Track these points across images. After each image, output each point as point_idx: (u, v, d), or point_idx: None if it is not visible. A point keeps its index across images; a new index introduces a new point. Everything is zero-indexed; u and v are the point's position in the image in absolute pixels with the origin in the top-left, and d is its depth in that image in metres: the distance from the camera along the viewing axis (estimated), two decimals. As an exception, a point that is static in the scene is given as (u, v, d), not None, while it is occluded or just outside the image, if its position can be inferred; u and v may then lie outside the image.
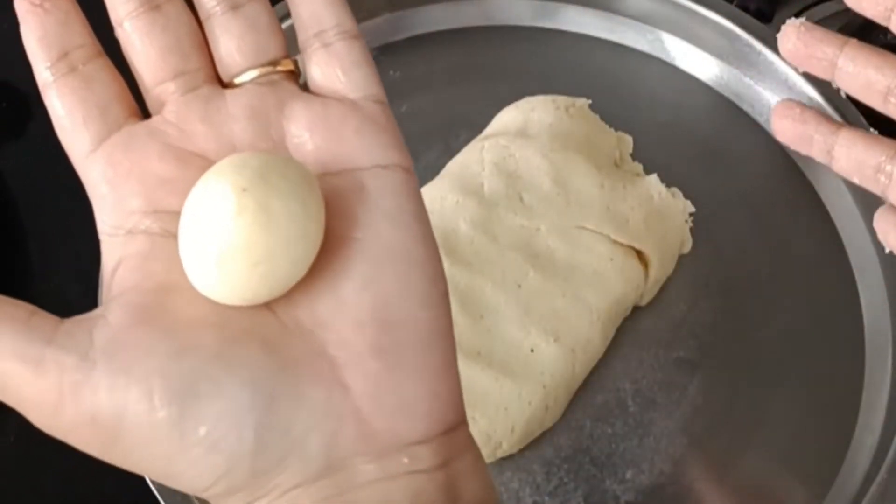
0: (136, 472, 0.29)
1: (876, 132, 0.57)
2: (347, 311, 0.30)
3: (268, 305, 0.30)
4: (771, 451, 0.52)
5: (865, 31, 0.67)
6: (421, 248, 0.31)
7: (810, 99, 0.59)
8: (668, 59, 0.64)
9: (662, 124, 0.62)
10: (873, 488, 0.49)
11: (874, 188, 0.42)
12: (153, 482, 0.47)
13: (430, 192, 0.55)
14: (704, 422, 0.53)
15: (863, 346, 0.55)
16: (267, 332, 0.29)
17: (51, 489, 0.55)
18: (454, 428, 0.30)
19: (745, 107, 0.63)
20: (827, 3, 0.72)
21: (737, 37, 0.62)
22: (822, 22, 0.70)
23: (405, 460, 0.29)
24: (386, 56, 0.64)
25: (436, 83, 0.64)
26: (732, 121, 0.62)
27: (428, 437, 0.29)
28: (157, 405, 0.28)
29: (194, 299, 0.29)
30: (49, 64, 0.32)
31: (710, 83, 0.63)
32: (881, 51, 0.41)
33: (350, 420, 0.29)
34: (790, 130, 0.44)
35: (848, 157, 0.42)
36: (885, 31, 0.68)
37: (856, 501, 0.49)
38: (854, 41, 0.41)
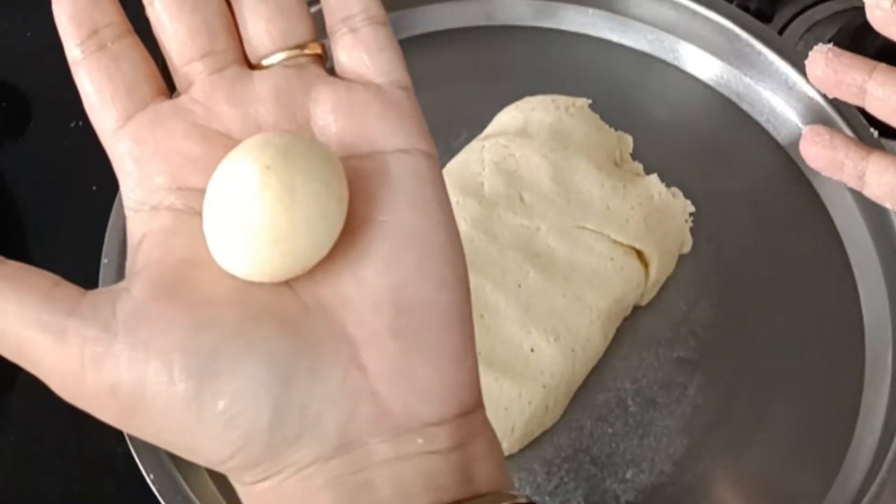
0: (155, 443, 0.30)
1: (876, 132, 0.57)
2: (367, 293, 0.30)
3: (288, 283, 0.30)
4: (771, 451, 0.52)
5: (863, 33, 0.68)
6: (442, 233, 0.31)
7: (811, 100, 0.59)
8: (669, 59, 0.64)
9: (662, 124, 0.62)
10: (874, 487, 0.49)
11: None
12: (154, 483, 0.47)
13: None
14: (704, 422, 0.53)
15: (863, 346, 0.55)
16: (287, 311, 0.29)
17: (51, 489, 0.55)
18: (470, 411, 0.30)
19: (745, 106, 0.63)
20: (827, 3, 0.72)
21: (737, 37, 0.62)
22: (822, 22, 0.71)
23: (420, 441, 0.29)
24: (386, 56, 0.64)
25: (436, 83, 0.64)
26: (732, 121, 0.62)
27: (443, 419, 0.30)
28: (176, 379, 0.28)
29: (216, 275, 0.30)
30: (79, 41, 0.32)
31: (711, 83, 0.63)
32: None
33: (366, 400, 0.29)
34: (821, 157, 0.44)
35: (880, 182, 0.42)
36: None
37: (856, 500, 0.49)
38: (883, 66, 0.41)
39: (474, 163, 0.56)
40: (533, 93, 0.59)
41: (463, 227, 0.54)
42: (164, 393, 0.28)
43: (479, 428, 0.31)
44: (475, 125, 0.60)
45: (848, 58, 0.42)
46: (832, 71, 0.42)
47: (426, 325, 0.30)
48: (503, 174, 0.55)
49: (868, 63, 0.41)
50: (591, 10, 0.65)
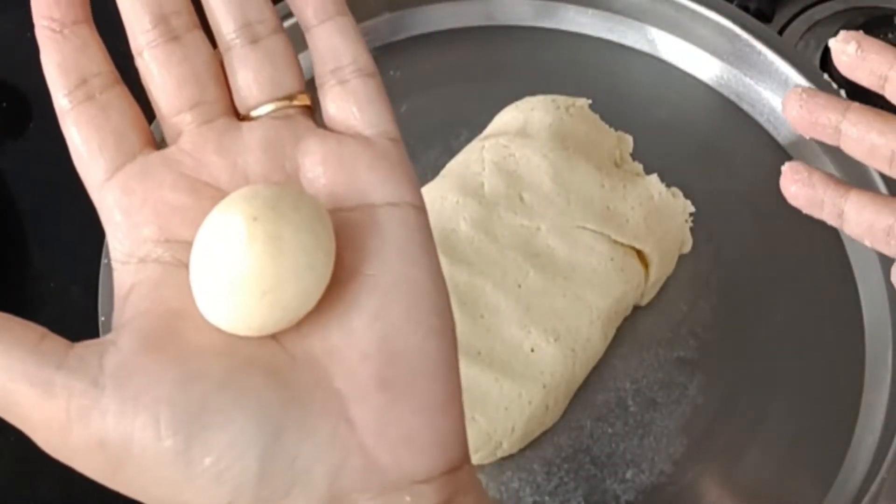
0: (142, 500, 0.29)
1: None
2: (355, 343, 0.30)
3: (276, 336, 0.30)
4: (771, 451, 0.52)
5: (866, 33, 0.68)
6: (429, 281, 0.31)
7: (810, 99, 0.59)
8: (669, 59, 0.64)
9: (662, 124, 0.62)
10: (873, 488, 0.49)
11: (886, 250, 0.42)
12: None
13: (430, 191, 0.55)
14: (704, 422, 0.53)
15: (863, 346, 0.55)
16: (275, 363, 0.29)
17: (50, 489, 0.55)
18: (457, 467, 0.30)
19: (745, 107, 0.63)
20: (827, 3, 0.72)
21: (737, 37, 0.62)
22: (822, 22, 0.71)
23: (407, 499, 0.29)
24: (386, 56, 0.64)
25: (436, 83, 0.64)
26: (733, 121, 0.62)
27: (431, 476, 0.30)
28: (163, 434, 0.28)
29: (203, 327, 0.30)
30: (67, 91, 0.32)
31: (711, 83, 0.63)
32: (884, 114, 0.41)
33: (355, 453, 0.29)
34: (801, 196, 0.43)
35: (858, 221, 0.42)
36: (886, 32, 0.68)
37: (856, 500, 0.49)
38: (856, 105, 0.41)
39: (474, 163, 0.56)
40: (533, 93, 0.59)
41: (463, 227, 0.54)
42: (152, 448, 0.28)
43: (466, 485, 0.31)
44: (475, 125, 0.59)
45: (823, 98, 0.41)
46: (807, 112, 0.42)
47: (414, 374, 0.30)
48: (503, 174, 0.55)
49: (842, 103, 0.41)
50: (591, 10, 0.65)
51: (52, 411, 0.28)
